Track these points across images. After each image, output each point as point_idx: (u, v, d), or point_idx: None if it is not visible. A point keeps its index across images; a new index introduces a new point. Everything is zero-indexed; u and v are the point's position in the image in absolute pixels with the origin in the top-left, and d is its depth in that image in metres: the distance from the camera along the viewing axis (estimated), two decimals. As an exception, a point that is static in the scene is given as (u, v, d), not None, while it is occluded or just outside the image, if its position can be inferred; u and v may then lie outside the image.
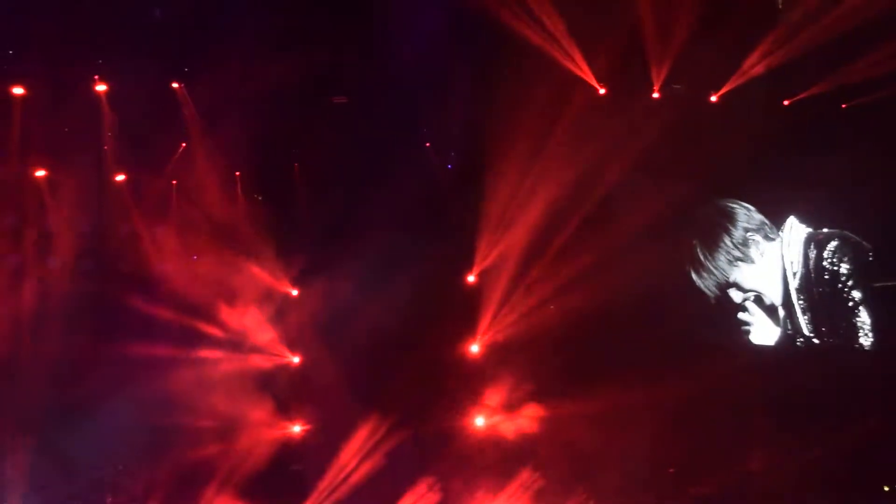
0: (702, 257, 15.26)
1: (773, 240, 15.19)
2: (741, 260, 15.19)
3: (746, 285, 15.27)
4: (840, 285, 15.05)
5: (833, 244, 15.08)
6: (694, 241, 15.24)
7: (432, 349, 14.82)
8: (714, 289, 15.26)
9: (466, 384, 14.99)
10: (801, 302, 15.09)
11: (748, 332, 15.27)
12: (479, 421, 14.88)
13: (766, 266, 15.23)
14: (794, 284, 15.11)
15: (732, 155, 14.66)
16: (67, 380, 14.52)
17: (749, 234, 15.27)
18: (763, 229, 15.28)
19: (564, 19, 14.13)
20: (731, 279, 15.22)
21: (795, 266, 15.16)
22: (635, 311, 15.07)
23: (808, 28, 14.07)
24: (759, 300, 15.23)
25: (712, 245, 15.27)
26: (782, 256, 15.21)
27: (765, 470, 14.32)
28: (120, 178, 14.76)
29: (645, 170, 14.75)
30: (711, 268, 15.23)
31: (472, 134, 14.91)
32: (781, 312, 15.16)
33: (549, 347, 14.82)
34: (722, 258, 15.22)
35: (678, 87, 14.99)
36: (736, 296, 15.27)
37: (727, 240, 15.29)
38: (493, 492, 14.62)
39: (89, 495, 14.91)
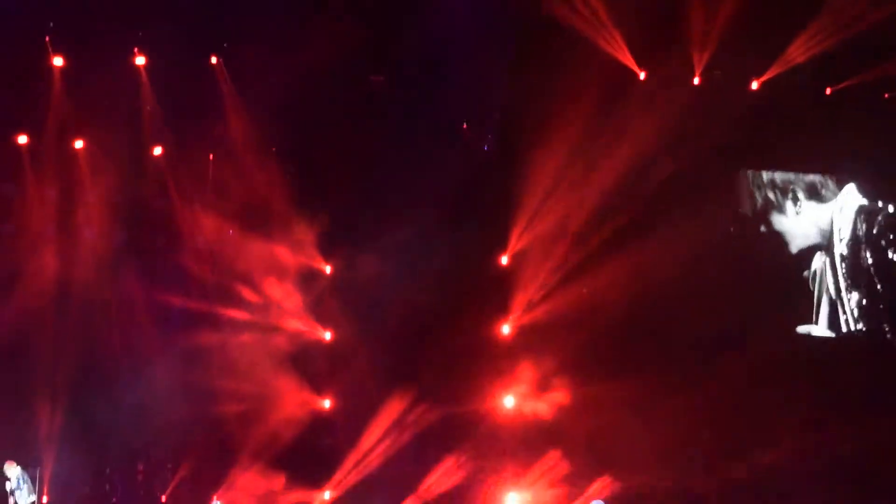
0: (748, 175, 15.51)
1: (819, 201, 15.31)
2: (774, 206, 15.34)
3: (776, 226, 15.51)
4: (888, 256, 15.21)
5: (883, 215, 15.22)
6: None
7: (464, 329, 14.81)
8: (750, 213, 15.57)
9: (497, 364, 15.00)
10: (843, 267, 15.22)
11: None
12: (509, 401, 14.95)
13: (804, 223, 15.45)
14: (839, 249, 15.31)
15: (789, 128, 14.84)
16: (102, 350, 14.74)
17: (792, 185, 15.45)
18: (810, 189, 15.40)
19: (605, 3, 14.02)
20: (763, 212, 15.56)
21: (844, 232, 15.40)
22: (667, 296, 15.05)
23: (852, 16, 13.93)
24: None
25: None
26: (832, 220, 15.42)
27: (793, 458, 14.33)
28: (157, 151, 14.83)
29: (686, 153, 14.64)
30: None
31: (510, 116, 14.88)
32: (821, 280, 15.31)
33: (580, 331, 14.78)
34: (761, 188, 15.44)
35: (718, 72, 14.85)
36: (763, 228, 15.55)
37: (769, 175, 15.55)
38: (520, 471, 14.75)
39: (121, 463, 15.19)
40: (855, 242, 15.36)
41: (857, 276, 15.39)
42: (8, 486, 12.72)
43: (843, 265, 15.36)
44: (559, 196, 14.69)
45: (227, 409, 14.68)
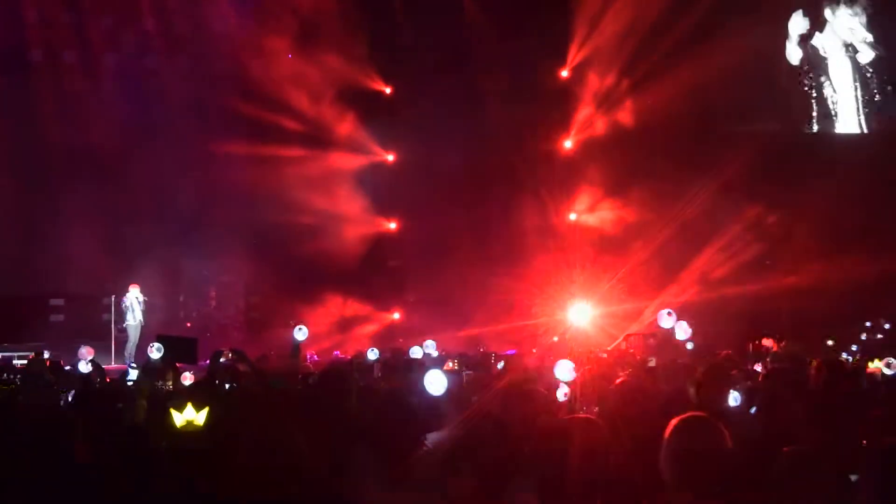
0: None
1: None
2: None
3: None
4: None
5: None
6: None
7: (526, 144, 14.76)
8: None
9: (559, 179, 14.97)
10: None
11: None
12: (572, 216, 14.96)
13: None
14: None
15: None
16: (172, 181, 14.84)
17: None
18: None
19: None
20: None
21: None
22: (730, 105, 14.83)
23: None
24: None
25: None
26: None
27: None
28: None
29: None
30: None
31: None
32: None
33: (642, 148, 14.61)
34: None
35: None
36: None
37: None
38: (586, 282, 14.74)
39: (194, 290, 15.50)
40: None
41: None
42: (125, 304, 13.19)
43: None
44: (619, 5, 14.34)
45: (295, 234, 14.74)
